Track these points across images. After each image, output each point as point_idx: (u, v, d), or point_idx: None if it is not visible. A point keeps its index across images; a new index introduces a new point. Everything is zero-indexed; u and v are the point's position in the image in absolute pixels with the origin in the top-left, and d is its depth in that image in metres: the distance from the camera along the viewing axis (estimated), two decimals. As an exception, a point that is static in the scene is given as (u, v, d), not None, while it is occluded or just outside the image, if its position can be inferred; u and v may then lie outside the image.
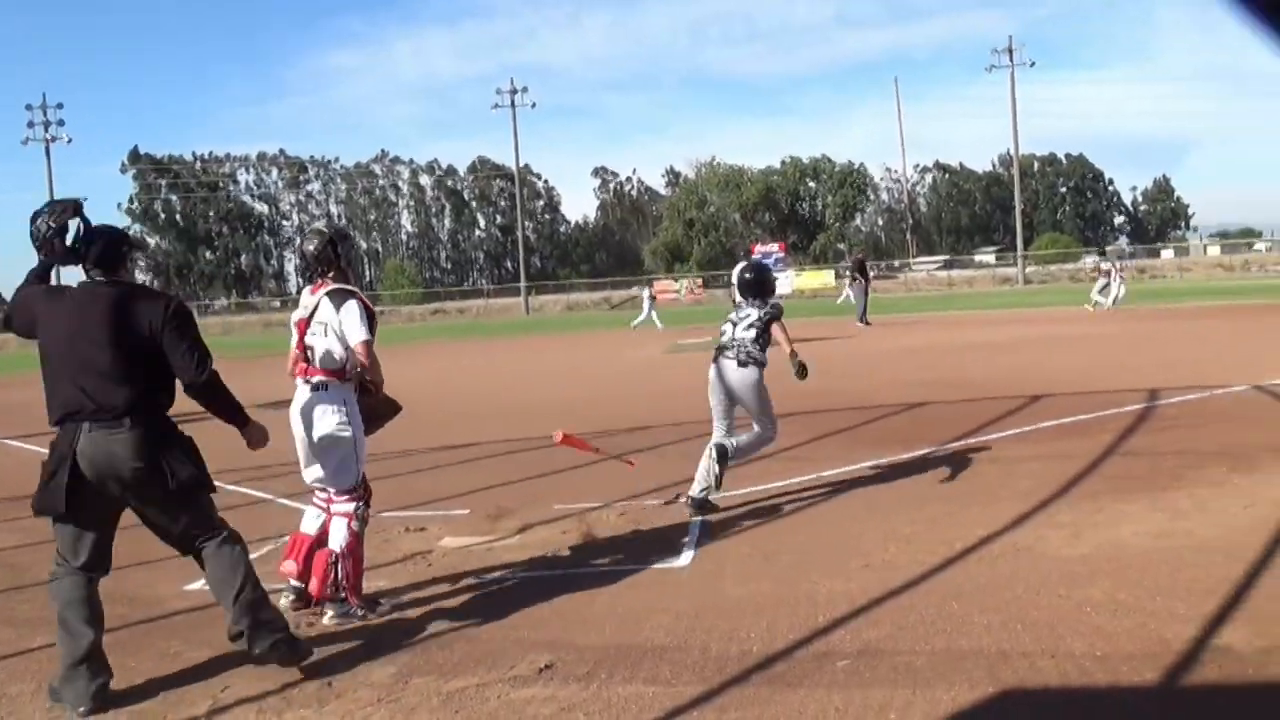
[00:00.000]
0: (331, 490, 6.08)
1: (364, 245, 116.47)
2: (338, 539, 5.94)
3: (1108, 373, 15.56)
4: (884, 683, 4.53)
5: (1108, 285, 32.90)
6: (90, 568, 4.96)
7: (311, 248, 6.20)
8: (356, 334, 5.93)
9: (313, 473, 6.18)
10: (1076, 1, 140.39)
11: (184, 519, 5.18)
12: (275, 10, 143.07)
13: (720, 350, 8.44)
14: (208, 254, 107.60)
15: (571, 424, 13.17)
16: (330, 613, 5.86)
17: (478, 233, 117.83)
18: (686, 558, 6.84)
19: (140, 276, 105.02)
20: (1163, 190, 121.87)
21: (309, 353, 6.09)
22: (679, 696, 4.52)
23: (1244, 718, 4.08)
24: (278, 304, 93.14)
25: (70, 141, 72.86)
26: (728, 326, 8.49)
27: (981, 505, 7.68)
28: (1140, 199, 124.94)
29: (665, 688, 4.63)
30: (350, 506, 6.02)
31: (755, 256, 53.78)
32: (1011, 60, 72.71)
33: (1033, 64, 74.27)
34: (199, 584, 6.85)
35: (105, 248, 5.15)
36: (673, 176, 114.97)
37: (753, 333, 8.29)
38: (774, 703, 4.41)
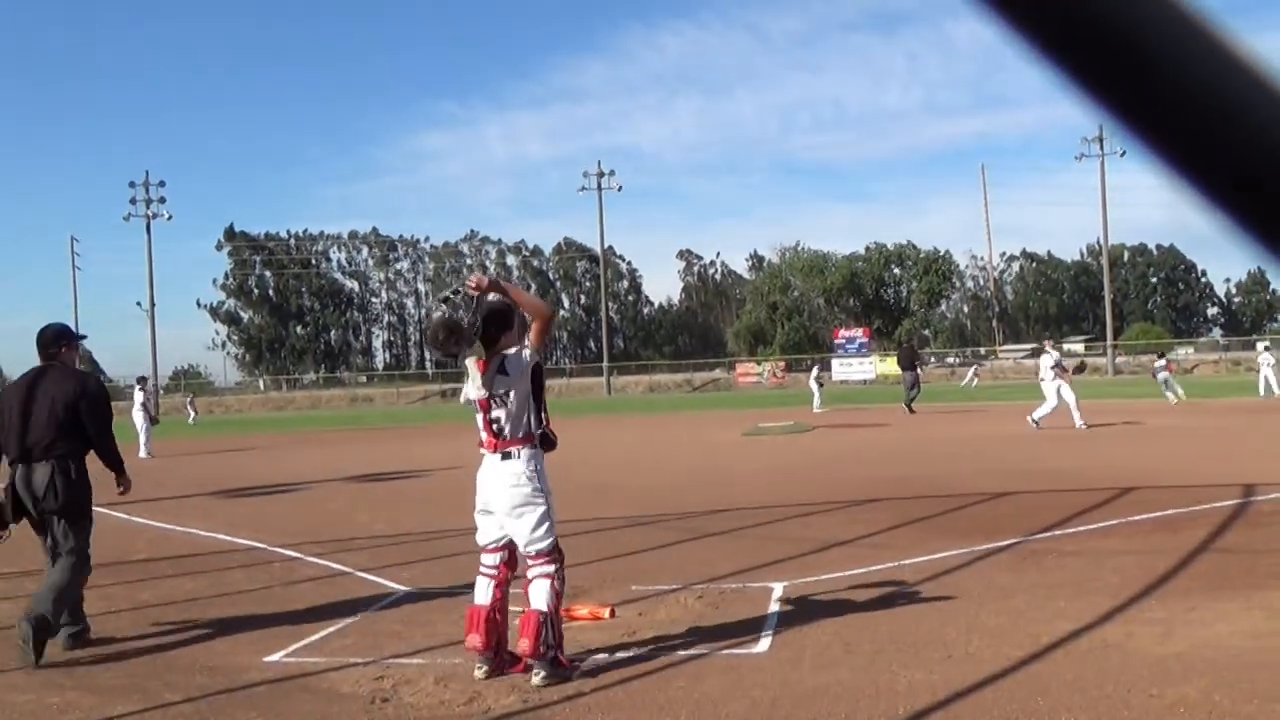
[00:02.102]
0: (530, 552, 6.13)
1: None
2: (543, 600, 6.01)
3: (1201, 466, 15.18)
4: (966, 780, 4.41)
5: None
6: None
7: (494, 315, 6.29)
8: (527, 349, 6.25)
9: (492, 540, 6.31)
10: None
11: None
12: (369, 92, 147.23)
13: None
14: (298, 329, 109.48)
15: (650, 504, 13.16)
16: (542, 673, 5.91)
17: (562, 312, 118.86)
18: (764, 644, 6.74)
19: (232, 350, 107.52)
20: (1257, 282, 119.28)
21: (495, 425, 6.18)
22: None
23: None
24: (364, 379, 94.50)
25: (170, 218, 74.92)
26: None
27: (1068, 599, 7.49)
28: (1234, 291, 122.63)
29: (740, 777, 4.55)
30: (551, 569, 6.10)
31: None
32: (1102, 149, 71.95)
33: (1123, 153, 73.19)
34: (278, 655, 6.92)
35: None
36: (756, 260, 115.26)
37: None
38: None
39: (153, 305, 74.47)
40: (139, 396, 28.90)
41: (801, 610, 7.58)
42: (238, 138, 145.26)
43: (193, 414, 49.81)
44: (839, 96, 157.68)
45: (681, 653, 6.58)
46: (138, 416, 28.25)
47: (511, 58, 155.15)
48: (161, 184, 74.04)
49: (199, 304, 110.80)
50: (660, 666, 6.31)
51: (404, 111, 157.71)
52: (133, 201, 73.28)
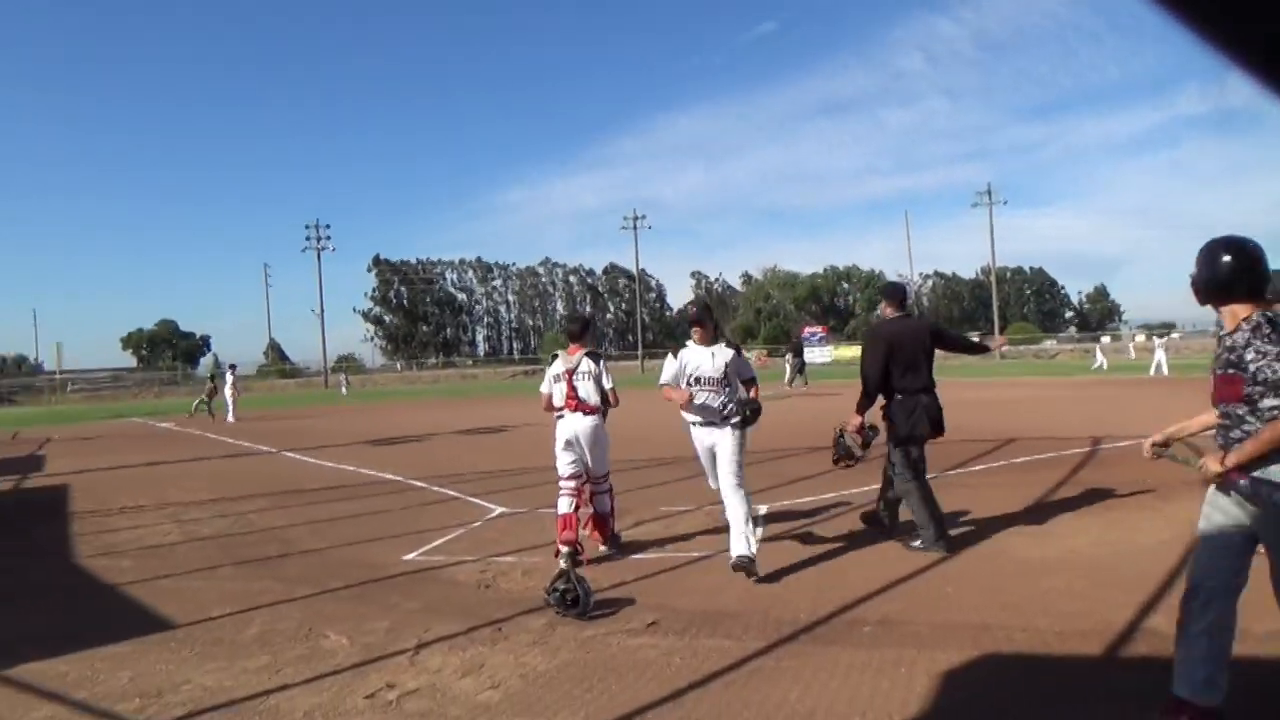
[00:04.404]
0: (596, 476, 6.63)
1: (529, 323, 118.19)
2: (606, 506, 6.67)
3: (1062, 424, 15.00)
4: (897, 645, 4.39)
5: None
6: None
7: (577, 326, 6.87)
8: (609, 381, 6.58)
9: (571, 469, 6.52)
10: (1038, 158, 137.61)
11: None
12: (476, 162, 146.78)
13: None
14: (424, 327, 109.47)
15: (671, 450, 13.08)
16: (604, 549, 6.59)
17: (609, 315, 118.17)
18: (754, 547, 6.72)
19: (378, 343, 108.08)
20: (1100, 294, 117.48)
21: (576, 392, 6.54)
22: (747, 649, 4.43)
23: (1165, 687, 3.83)
24: (470, 363, 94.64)
25: (334, 250, 75.34)
26: None
27: (968, 518, 7.43)
28: (1084, 300, 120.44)
29: (737, 642, 4.54)
30: (609, 486, 6.74)
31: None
32: (990, 199, 71.41)
33: (1005, 201, 73.35)
34: (412, 555, 6.96)
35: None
36: (747, 278, 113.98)
37: None
38: (816, 656, 4.30)
39: (322, 311, 75.09)
40: (230, 377, 28.65)
41: (778, 524, 7.55)
42: (385, 191, 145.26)
43: (345, 386, 49.82)
44: (802, 161, 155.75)
45: (695, 554, 6.59)
46: (228, 392, 27.89)
47: (573, 135, 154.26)
48: (328, 226, 74.20)
49: (354, 310, 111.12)
50: (680, 563, 6.32)
51: (500, 174, 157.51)
52: (307, 239, 73.61)
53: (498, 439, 17.48)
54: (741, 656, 4.33)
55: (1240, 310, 3.21)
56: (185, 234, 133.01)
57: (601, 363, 6.60)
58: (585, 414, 6.46)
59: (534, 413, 23.52)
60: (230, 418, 26.77)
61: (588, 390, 6.49)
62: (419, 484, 10.99)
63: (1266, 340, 3.09)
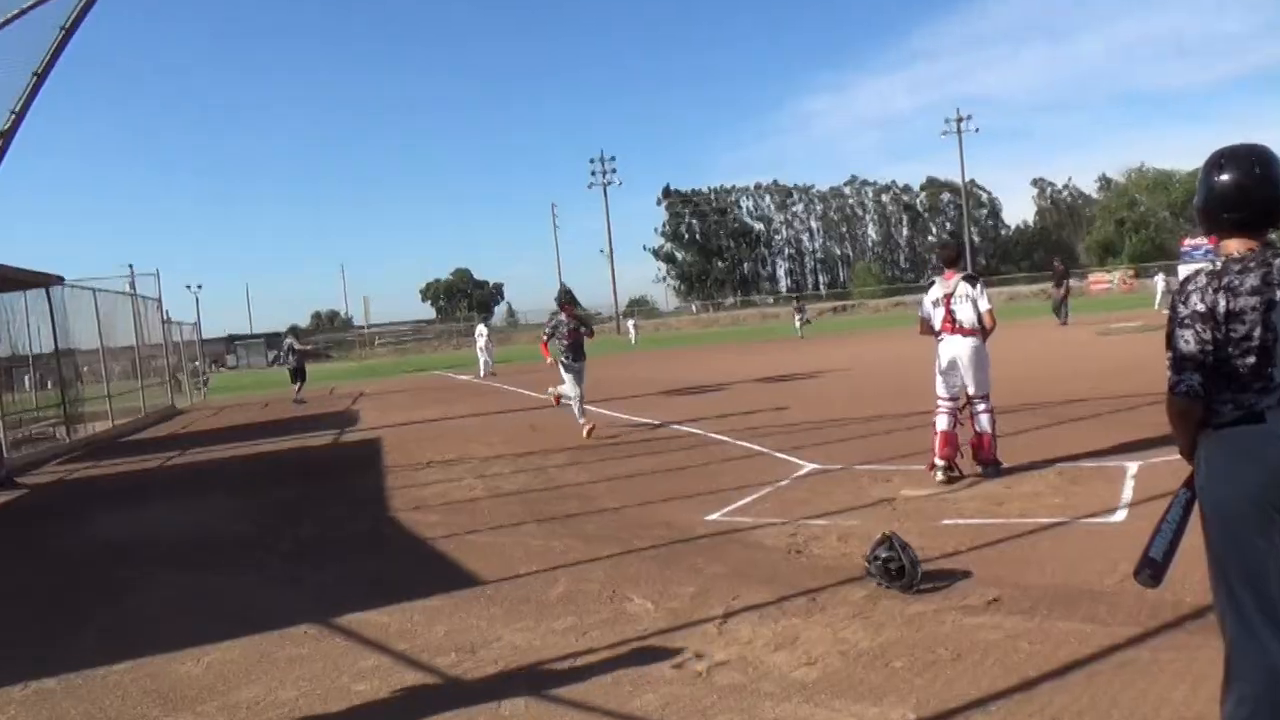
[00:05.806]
0: (976, 396, 7.57)
1: (836, 252, 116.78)
2: (987, 425, 7.49)
3: None
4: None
5: None
6: None
7: (951, 252, 8.08)
8: (986, 304, 7.60)
9: (950, 390, 7.68)
10: None
11: None
12: (763, 70, 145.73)
13: None
14: (719, 263, 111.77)
15: (1016, 394, 12.44)
16: (985, 470, 7.43)
17: (930, 238, 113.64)
18: (1121, 515, 6.24)
19: (671, 282, 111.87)
20: None
21: (954, 315, 7.57)
22: (1115, 635, 4.15)
23: None
24: (771, 300, 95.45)
25: (621, 184, 78.74)
26: None
27: None
28: None
29: (1102, 627, 4.27)
30: (988, 405, 7.55)
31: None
32: None
33: None
34: (717, 514, 7.21)
35: None
36: (1105, 182, 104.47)
37: None
38: (1206, 648, 3.92)
39: (611, 251, 78.68)
40: (481, 338, 30.63)
41: (1154, 486, 6.91)
42: (671, 116, 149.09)
43: (634, 335, 52.26)
44: (1177, 25, 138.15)
45: (1046, 520, 6.23)
46: (482, 345, 30.04)
47: (878, 27, 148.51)
48: (613, 159, 77.60)
49: (644, 248, 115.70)
50: (1026, 530, 6.03)
51: (792, 82, 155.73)
52: (593, 173, 77.37)
53: (806, 386, 17.54)
54: (1108, 644, 4.06)
55: (1232, 245, 2.75)
56: (477, 179, 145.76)
57: (979, 285, 7.58)
58: (964, 336, 7.51)
59: (846, 355, 23.23)
60: (483, 372, 29.16)
61: (965, 313, 7.49)
62: (720, 437, 11.31)
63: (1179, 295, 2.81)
